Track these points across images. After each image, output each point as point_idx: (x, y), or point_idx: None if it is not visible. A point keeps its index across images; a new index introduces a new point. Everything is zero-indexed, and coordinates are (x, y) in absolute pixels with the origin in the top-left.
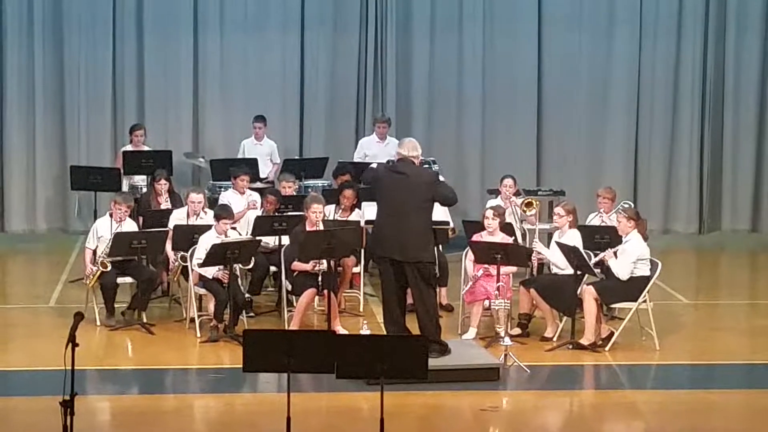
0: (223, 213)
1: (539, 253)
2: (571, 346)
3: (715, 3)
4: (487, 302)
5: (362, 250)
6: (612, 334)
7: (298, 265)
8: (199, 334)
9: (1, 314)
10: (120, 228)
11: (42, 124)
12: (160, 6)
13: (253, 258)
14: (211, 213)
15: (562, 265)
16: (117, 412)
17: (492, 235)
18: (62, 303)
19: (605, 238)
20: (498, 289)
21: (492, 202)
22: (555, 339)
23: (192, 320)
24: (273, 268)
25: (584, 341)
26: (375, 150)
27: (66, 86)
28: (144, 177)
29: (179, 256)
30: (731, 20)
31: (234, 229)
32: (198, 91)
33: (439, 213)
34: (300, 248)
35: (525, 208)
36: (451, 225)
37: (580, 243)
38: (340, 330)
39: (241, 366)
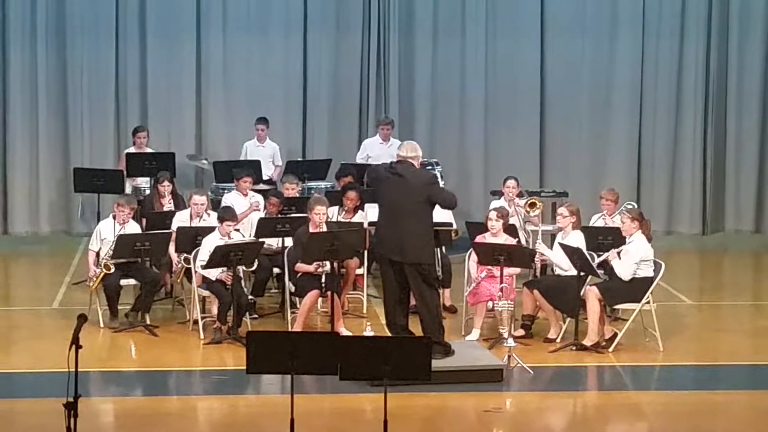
0: (227, 215)
1: (542, 254)
2: (574, 348)
3: (717, 5)
4: (490, 303)
5: (365, 252)
6: (615, 335)
7: (301, 267)
8: (202, 336)
9: (5, 316)
10: (123, 230)
11: (45, 126)
12: (163, 8)
13: (256, 260)
14: (214, 215)
15: (565, 267)
16: (120, 414)
17: (495, 236)
18: (65, 305)
19: (608, 239)
20: (501, 290)
21: (495, 204)
22: (558, 340)
23: (195, 322)
24: (276, 270)
25: (588, 342)
26: (378, 151)
27: (69, 88)
28: (147, 179)
29: (182, 257)
30: (734, 22)
31: (237, 230)
32: (201, 93)
33: (442, 214)
34: (303, 250)
35: (528, 209)
36: (454, 226)
37: (583, 244)
38: (344, 331)
39: (244, 368)
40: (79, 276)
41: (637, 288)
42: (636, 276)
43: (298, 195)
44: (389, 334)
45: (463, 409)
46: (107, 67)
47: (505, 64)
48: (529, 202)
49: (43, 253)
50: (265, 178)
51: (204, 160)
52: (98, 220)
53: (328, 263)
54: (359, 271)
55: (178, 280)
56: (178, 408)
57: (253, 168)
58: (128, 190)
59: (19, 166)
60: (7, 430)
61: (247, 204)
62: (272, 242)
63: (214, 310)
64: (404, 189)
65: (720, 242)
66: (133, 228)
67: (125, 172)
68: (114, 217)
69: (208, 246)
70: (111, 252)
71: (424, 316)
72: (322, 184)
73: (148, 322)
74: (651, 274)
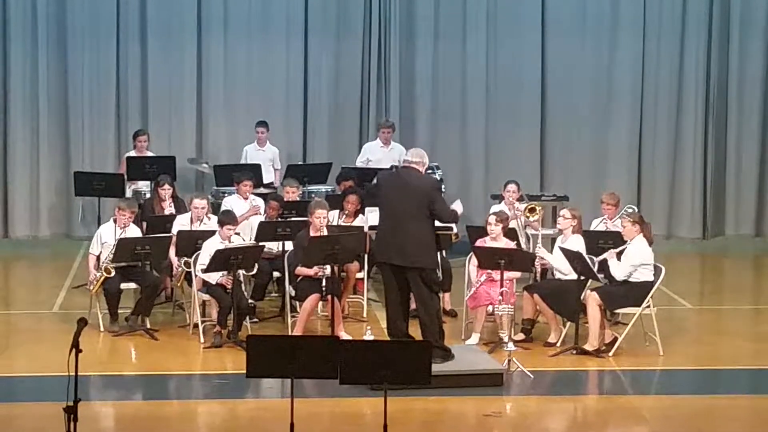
0: (227, 219)
1: (543, 258)
2: (574, 352)
3: (718, 8)
4: (490, 308)
5: (366, 256)
6: (616, 339)
7: (301, 270)
8: (202, 340)
9: (5, 320)
10: (124, 234)
11: (46, 129)
12: (163, 12)
13: (256, 264)
14: (214, 218)
15: (565, 271)
16: (120, 418)
17: (495, 240)
18: (66, 309)
19: (609, 243)
20: (501, 294)
21: (495, 208)
22: (558, 344)
23: (195, 326)
24: (276, 274)
25: (588, 347)
26: (379, 155)
27: (69, 92)
28: (147, 183)
29: (183, 261)
30: (735, 26)
31: (238, 234)
32: (201, 96)
33: None
34: (304, 254)
35: (528, 214)
36: (455, 230)
37: (584, 248)
38: (344, 335)
39: (244, 371)
40: (79, 280)
41: (637, 292)
42: (635, 280)
43: (298, 199)
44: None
45: (463, 414)
46: (108, 70)
47: (505, 68)
48: (528, 208)
49: (44, 256)
50: (265, 182)
51: (204, 163)
52: (99, 224)
53: (328, 267)
54: (359, 275)
55: (179, 284)
56: (178, 412)
57: (253, 172)
58: (129, 193)
59: (19, 170)
60: None
61: (247, 208)
62: (272, 246)
63: (215, 314)
64: (408, 194)
65: (720, 246)
66: (134, 232)
67: (126, 176)
68: (115, 221)
69: (208, 250)
70: (111, 256)
71: (424, 321)
72: (323, 188)
73: (148, 325)
74: (651, 278)
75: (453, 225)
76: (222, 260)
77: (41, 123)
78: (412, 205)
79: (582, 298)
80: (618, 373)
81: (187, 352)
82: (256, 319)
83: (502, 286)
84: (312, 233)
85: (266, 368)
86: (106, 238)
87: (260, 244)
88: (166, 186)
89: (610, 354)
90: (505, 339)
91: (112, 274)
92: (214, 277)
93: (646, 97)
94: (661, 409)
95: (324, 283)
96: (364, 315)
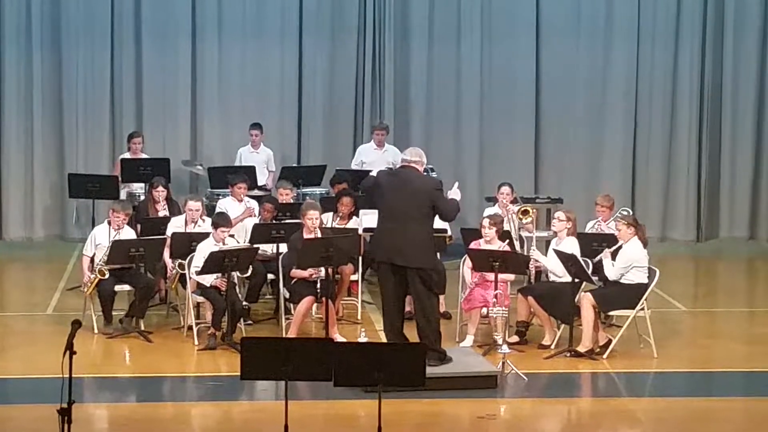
0: (221, 221)
1: (537, 260)
2: (568, 354)
3: (712, 10)
4: (484, 310)
5: (360, 258)
6: (610, 341)
7: (296, 273)
8: (196, 342)
9: None
10: (118, 235)
11: (40, 131)
12: (158, 13)
13: (250, 266)
14: (209, 221)
15: (559, 273)
16: (114, 420)
17: (490, 243)
18: (60, 310)
19: (603, 245)
20: (496, 296)
21: (489, 210)
22: (553, 347)
23: (190, 328)
24: (271, 276)
25: (582, 349)
26: (373, 157)
27: (64, 94)
28: (142, 185)
29: (177, 263)
30: (729, 28)
31: (232, 236)
32: (196, 98)
33: (437, 221)
34: (298, 256)
35: (521, 216)
36: (449, 232)
37: (578, 251)
38: (338, 338)
39: (238, 374)
40: (73, 282)
41: (631, 294)
42: (629, 282)
43: (292, 201)
44: (384, 340)
45: (457, 416)
46: (102, 72)
47: (500, 70)
48: (521, 210)
49: (38, 258)
50: (259, 184)
51: (199, 165)
52: (93, 226)
53: (322, 269)
54: (354, 278)
55: (173, 286)
56: (172, 414)
57: (247, 174)
58: (123, 195)
59: (13, 172)
60: None
61: (242, 210)
62: (267, 248)
63: (209, 316)
64: (409, 194)
65: (714, 249)
66: (128, 234)
67: (120, 178)
68: (109, 223)
69: (202, 252)
70: (105, 258)
71: (421, 323)
72: (317, 190)
73: (142, 327)
74: (645, 280)
75: (447, 228)
76: (216, 262)
77: (35, 125)
78: (413, 205)
79: (576, 300)
80: (612, 375)
81: (181, 354)
82: (250, 321)
83: (496, 289)
84: (305, 235)
85: (260, 370)
86: (100, 240)
87: (255, 246)
88: (161, 188)
89: (604, 356)
90: (500, 341)
91: (107, 276)
92: (208, 280)
93: (640, 99)
94: (655, 412)
95: (318, 286)
96: (359, 317)
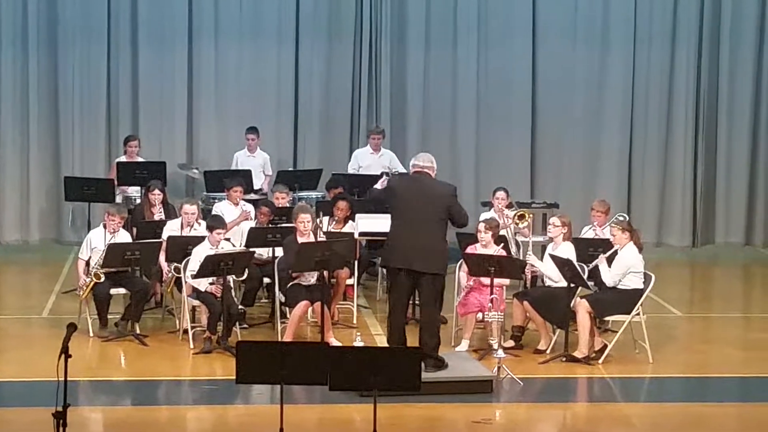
0: (216, 224)
1: (533, 265)
2: (564, 359)
3: (709, 14)
4: (480, 314)
5: (356, 262)
6: (605, 346)
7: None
8: (192, 346)
9: None
10: (113, 239)
11: (36, 134)
12: (154, 17)
13: (246, 269)
14: (204, 224)
15: (555, 278)
16: (110, 423)
17: (485, 248)
18: (55, 314)
19: (599, 250)
20: (491, 301)
21: (485, 215)
22: (548, 351)
23: (185, 331)
24: (266, 280)
25: (577, 354)
26: (369, 161)
27: (60, 97)
28: (138, 188)
29: (173, 267)
30: (725, 31)
31: (228, 240)
32: (192, 102)
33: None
34: (295, 259)
35: (517, 221)
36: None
37: (574, 256)
38: (334, 342)
39: (234, 377)
40: (69, 285)
41: (627, 300)
42: (625, 287)
43: (288, 205)
44: (380, 345)
45: (452, 421)
46: (99, 75)
47: (496, 73)
48: (518, 214)
49: (33, 261)
50: (255, 188)
51: (195, 169)
52: (89, 229)
53: (316, 273)
54: (349, 282)
55: (169, 290)
56: (167, 418)
57: (243, 178)
58: (119, 199)
59: (9, 175)
60: None
61: (237, 214)
62: (263, 252)
63: (204, 320)
64: (427, 199)
65: (710, 254)
66: (124, 237)
67: (116, 181)
68: (104, 226)
69: (198, 255)
70: (101, 261)
71: (426, 328)
72: (313, 194)
73: (137, 331)
74: (641, 285)
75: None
76: (212, 266)
77: (31, 127)
78: (431, 210)
79: (572, 305)
80: (607, 380)
81: (176, 357)
82: (245, 325)
83: (492, 293)
84: (298, 238)
85: (256, 374)
86: (95, 243)
87: (251, 249)
88: (157, 191)
89: (600, 361)
90: (495, 346)
91: (102, 279)
92: (203, 284)
93: (636, 103)
94: (650, 417)
95: (313, 289)
96: (354, 321)
